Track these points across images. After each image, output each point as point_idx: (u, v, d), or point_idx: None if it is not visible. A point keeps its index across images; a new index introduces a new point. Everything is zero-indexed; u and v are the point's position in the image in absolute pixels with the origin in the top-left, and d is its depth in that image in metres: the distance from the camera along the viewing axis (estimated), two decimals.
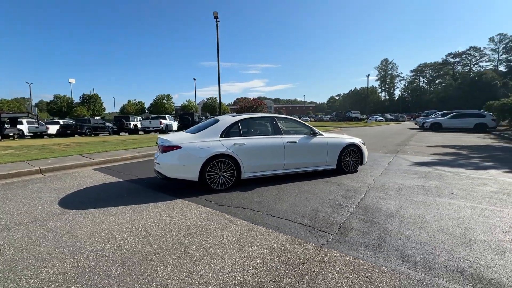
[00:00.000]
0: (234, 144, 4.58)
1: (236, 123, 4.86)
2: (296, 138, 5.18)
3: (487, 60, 75.82)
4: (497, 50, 72.86)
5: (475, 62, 78.37)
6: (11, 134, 17.95)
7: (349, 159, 5.74)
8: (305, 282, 2.03)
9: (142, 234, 2.91)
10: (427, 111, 47.67)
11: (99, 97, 62.25)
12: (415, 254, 2.41)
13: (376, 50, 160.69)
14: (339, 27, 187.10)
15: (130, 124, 23.45)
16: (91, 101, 60.23)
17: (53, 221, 3.33)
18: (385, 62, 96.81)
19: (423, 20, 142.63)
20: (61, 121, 24.34)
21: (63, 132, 20.62)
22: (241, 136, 4.78)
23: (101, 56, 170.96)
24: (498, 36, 71.36)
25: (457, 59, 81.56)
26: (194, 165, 4.34)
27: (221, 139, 4.59)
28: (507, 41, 70.13)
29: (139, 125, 24.66)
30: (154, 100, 69.08)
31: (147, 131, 23.72)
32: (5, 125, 17.82)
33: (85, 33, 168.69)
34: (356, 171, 5.88)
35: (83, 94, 61.15)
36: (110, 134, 23.58)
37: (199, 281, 2.05)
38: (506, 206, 3.65)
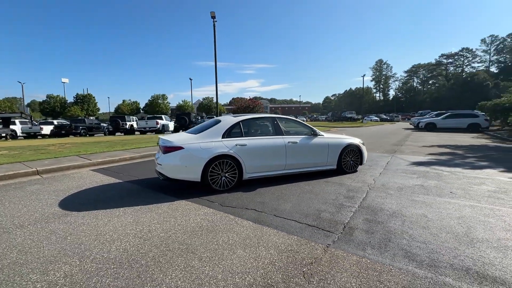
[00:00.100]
0: (236, 145, 4.58)
1: (237, 123, 4.86)
2: (297, 138, 5.20)
3: (479, 61, 77.38)
4: (489, 51, 74.31)
5: (467, 63, 79.84)
6: (3, 135, 17.62)
7: (349, 159, 5.79)
8: (314, 282, 2.05)
9: (147, 235, 2.89)
10: (421, 111, 48.33)
11: (93, 97, 61.50)
12: (421, 253, 2.45)
13: (370, 50, 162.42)
14: (334, 28, 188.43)
15: (126, 124, 23.22)
16: (85, 101, 59.44)
17: (55, 223, 3.29)
18: (379, 62, 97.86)
19: (417, 21, 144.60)
20: (55, 121, 23.95)
21: (57, 132, 20.30)
22: (242, 136, 4.79)
23: (95, 55, 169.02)
24: (490, 37, 72.83)
25: (450, 60, 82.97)
26: (196, 165, 4.32)
27: (223, 139, 4.59)
28: (498, 42, 71.58)
29: (135, 126, 24.42)
30: (149, 100, 68.51)
31: (143, 131, 23.50)
32: None
33: (78, 32, 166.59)
34: (355, 171, 5.93)
35: (77, 93, 60.35)
36: (105, 135, 23.31)
37: (209, 283, 2.05)
38: (505, 205, 3.72)
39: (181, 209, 3.71)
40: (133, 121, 25.04)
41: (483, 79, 60.61)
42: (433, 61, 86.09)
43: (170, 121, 25.52)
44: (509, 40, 68.76)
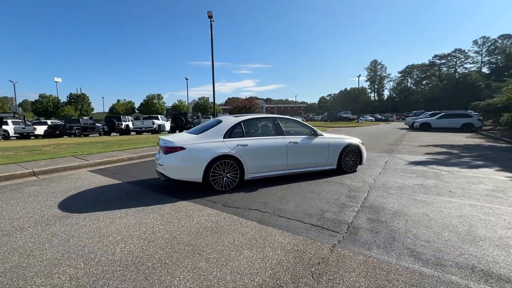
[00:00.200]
0: (237, 145, 4.57)
1: (239, 123, 4.85)
2: (298, 138, 5.21)
3: (471, 62, 78.77)
4: (481, 52, 75.71)
5: (460, 64, 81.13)
6: None
7: (349, 159, 5.82)
8: (323, 282, 2.05)
9: (152, 237, 2.87)
10: (414, 111, 49.00)
11: (87, 97, 60.75)
12: (426, 252, 2.48)
13: (365, 51, 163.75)
14: (329, 28, 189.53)
15: (121, 124, 22.96)
16: (78, 101, 58.68)
17: (55, 225, 3.23)
18: (374, 63, 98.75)
19: (410, 22, 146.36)
20: (48, 122, 23.56)
21: (51, 132, 19.96)
22: (244, 137, 4.78)
23: (89, 55, 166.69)
24: (481, 39, 74.18)
25: (443, 61, 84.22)
26: (198, 166, 4.30)
27: (224, 140, 4.57)
28: (489, 44, 72.97)
29: (131, 126, 24.19)
30: (144, 100, 67.91)
31: (139, 131, 23.29)
32: None
33: (71, 31, 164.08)
34: (355, 170, 5.97)
35: (70, 93, 59.54)
36: (100, 135, 23.04)
37: (218, 284, 2.04)
38: (503, 203, 3.79)
39: (183, 210, 3.68)
40: (129, 121, 24.79)
41: (475, 79, 61.71)
42: (427, 62, 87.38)
43: (166, 121, 25.33)
44: (500, 41, 70.21)
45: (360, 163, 6.03)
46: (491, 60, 73.21)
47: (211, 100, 72.52)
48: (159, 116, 25.60)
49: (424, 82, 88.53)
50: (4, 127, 18.61)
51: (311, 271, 2.20)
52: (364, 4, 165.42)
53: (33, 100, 59.20)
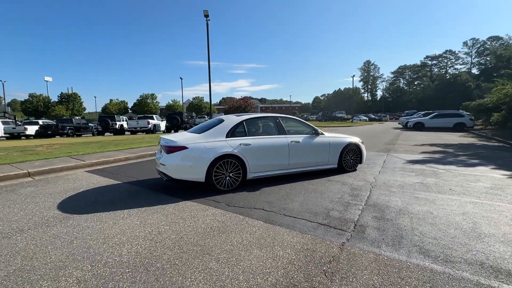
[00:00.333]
0: (240, 144, 4.54)
1: (241, 123, 4.82)
2: (299, 137, 5.22)
3: (461, 63, 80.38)
4: (470, 53, 77.39)
5: (450, 65, 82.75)
6: None
7: (349, 158, 5.86)
8: (337, 281, 2.05)
9: (158, 238, 2.82)
10: (407, 111, 49.71)
11: (79, 96, 59.71)
12: (434, 249, 2.50)
13: (358, 51, 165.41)
14: (323, 28, 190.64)
15: (115, 124, 22.62)
16: (70, 100, 57.66)
17: (57, 227, 3.15)
18: (367, 63, 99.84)
19: (403, 23, 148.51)
20: (40, 121, 23.04)
21: (43, 133, 19.51)
22: (246, 136, 4.75)
23: (80, 54, 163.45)
24: (471, 40, 75.83)
25: (434, 62, 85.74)
26: (200, 165, 4.25)
27: (227, 139, 4.54)
28: (479, 45, 74.66)
29: (125, 125, 23.85)
30: (137, 100, 67.07)
31: (134, 131, 22.99)
32: None
33: (61, 30, 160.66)
34: (355, 169, 6.01)
35: (61, 92, 58.46)
36: (93, 135, 22.64)
37: (231, 284, 2.01)
38: (503, 200, 3.87)
39: (187, 210, 3.64)
40: (123, 121, 24.43)
41: (465, 80, 63.01)
42: (418, 63, 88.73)
43: (162, 121, 25.07)
44: (489, 43, 71.86)
45: (360, 162, 6.08)
46: (481, 61, 74.92)
47: (205, 100, 72.22)
48: (154, 116, 25.32)
49: (416, 83, 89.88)
50: None
51: (324, 270, 2.19)
52: (358, 5, 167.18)
53: (23, 100, 57.80)
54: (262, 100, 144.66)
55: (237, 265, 2.28)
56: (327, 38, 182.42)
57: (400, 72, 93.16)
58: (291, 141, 5.06)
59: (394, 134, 17.06)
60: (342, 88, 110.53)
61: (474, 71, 75.52)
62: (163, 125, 24.14)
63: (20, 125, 20.76)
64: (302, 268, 2.22)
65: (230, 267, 2.24)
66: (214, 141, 4.43)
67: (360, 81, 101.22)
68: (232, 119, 4.86)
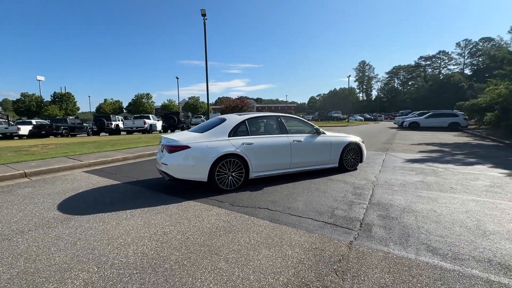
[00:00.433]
0: (242, 144, 4.51)
1: (243, 122, 4.79)
2: (301, 137, 5.21)
3: (454, 63, 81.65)
4: (463, 54, 78.63)
5: (444, 65, 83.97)
6: None
7: (350, 157, 5.88)
8: (348, 280, 2.04)
9: (164, 238, 2.77)
10: (401, 111, 50.30)
11: (73, 96, 58.87)
12: (441, 246, 2.52)
13: (353, 51, 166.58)
14: (318, 29, 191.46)
15: (111, 124, 22.34)
16: (63, 100, 56.76)
17: (58, 228, 3.08)
18: (362, 63, 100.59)
19: (397, 24, 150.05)
20: (33, 121, 22.62)
21: (37, 132, 19.14)
22: (248, 135, 4.72)
23: (74, 53, 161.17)
24: (464, 41, 77.05)
25: (428, 62, 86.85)
26: (203, 165, 4.22)
27: (229, 138, 4.51)
28: (471, 46, 75.89)
29: (121, 125, 23.57)
30: (132, 99, 66.36)
31: (130, 131, 22.73)
32: None
33: (53, 28, 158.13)
34: (356, 169, 6.04)
35: (54, 92, 57.53)
36: (88, 135, 22.33)
37: (242, 284, 1.99)
38: (503, 198, 3.92)
39: (191, 210, 3.60)
40: (119, 120, 24.15)
41: (458, 80, 63.95)
42: (412, 63, 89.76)
43: (158, 120, 24.85)
44: (481, 44, 73.10)
45: (361, 161, 6.10)
46: (473, 62, 76.22)
47: (201, 99, 71.88)
48: (150, 115, 25.08)
49: (410, 83, 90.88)
50: None
51: (334, 269, 2.18)
52: (353, 5, 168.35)
53: (15, 99, 56.69)
54: (258, 100, 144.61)
55: (246, 265, 2.25)
56: (323, 38, 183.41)
57: (394, 72, 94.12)
58: (293, 140, 5.05)
59: (391, 134, 17.22)
60: (337, 88, 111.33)
61: (467, 71, 76.83)
62: (159, 125, 23.93)
63: (12, 125, 20.35)
64: (312, 267, 2.21)
65: (240, 267, 2.21)
66: (216, 141, 4.40)
67: (355, 81, 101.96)
68: (234, 118, 4.83)
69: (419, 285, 1.96)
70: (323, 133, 5.57)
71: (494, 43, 67.04)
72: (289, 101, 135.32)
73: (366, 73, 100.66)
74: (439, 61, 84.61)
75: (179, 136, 4.61)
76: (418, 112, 29.43)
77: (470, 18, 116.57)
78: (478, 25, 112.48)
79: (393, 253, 2.42)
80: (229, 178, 4.44)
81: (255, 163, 4.62)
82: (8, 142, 14.97)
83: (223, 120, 4.86)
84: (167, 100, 68.00)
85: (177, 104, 60.55)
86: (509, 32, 13.38)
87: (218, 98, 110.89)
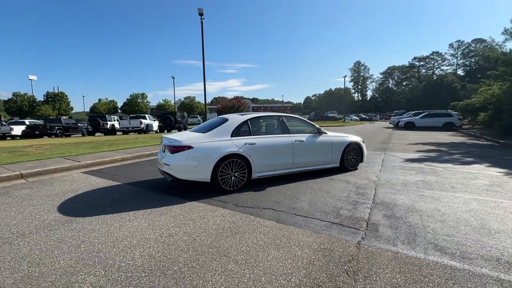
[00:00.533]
0: (245, 144, 4.49)
1: (245, 122, 4.77)
2: (303, 137, 5.21)
3: (447, 64, 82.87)
4: (456, 55, 79.86)
5: (437, 66, 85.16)
6: None
7: (351, 157, 5.90)
8: (360, 280, 2.03)
9: (170, 240, 2.73)
10: (396, 111, 50.85)
11: (66, 96, 58.01)
12: (449, 246, 2.53)
13: (349, 52, 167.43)
14: (314, 29, 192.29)
15: (106, 124, 22.06)
16: (56, 100, 55.88)
17: (60, 230, 3.01)
18: (357, 64, 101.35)
19: (391, 24, 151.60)
20: (27, 121, 22.20)
21: (30, 133, 18.80)
22: (251, 135, 4.70)
23: (67, 52, 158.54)
24: (457, 42, 78.28)
25: (422, 63, 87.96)
26: (206, 165, 4.18)
27: (232, 138, 4.48)
28: (464, 47, 77.15)
29: (116, 125, 23.29)
30: (127, 99, 65.66)
31: (126, 131, 22.48)
32: None
33: (47, 26, 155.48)
34: (356, 168, 6.06)
35: (47, 92, 56.60)
36: (83, 135, 22.03)
37: (254, 286, 1.96)
38: (504, 197, 3.97)
39: (195, 211, 3.56)
40: (114, 120, 23.86)
41: (451, 81, 64.92)
42: (407, 64, 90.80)
43: (154, 120, 24.64)
44: (473, 45, 74.36)
45: (361, 160, 6.13)
46: (466, 62, 77.57)
47: (197, 99, 71.57)
48: (146, 115, 24.84)
49: (404, 83, 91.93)
50: None
51: (345, 269, 2.17)
52: (349, 7, 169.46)
53: (6, 99, 55.60)
54: (254, 100, 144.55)
55: (257, 266, 2.23)
56: (318, 38, 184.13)
57: (389, 72, 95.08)
58: (295, 140, 5.04)
59: (387, 133, 17.37)
60: (333, 88, 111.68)
61: (460, 72, 78.08)
62: (155, 125, 23.73)
63: (5, 125, 19.95)
64: (323, 268, 2.20)
65: (250, 269, 2.19)
66: (219, 141, 4.36)
67: (350, 81, 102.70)
68: (236, 118, 4.80)
69: (431, 284, 1.96)
70: (325, 133, 5.57)
71: (486, 44, 68.28)
72: (285, 101, 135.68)
73: (361, 74, 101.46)
74: (432, 62, 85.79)
75: (181, 136, 4.56)
76: (413, 112, 29.77)
77: (462, 19, 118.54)
78: (470, 27, 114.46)
79: (402, 252, 2.42)
80: (231, 178, 4.41)
81: (258, 163, 4.59)
82: (1, 142, 14.67)
83: (225, 120, 4.82)
84: (163, 100, 67.61)
85: (173, 104, 60.13)
86: (502, 33, 13.65)
87: (214, 98, 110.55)
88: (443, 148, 9.70)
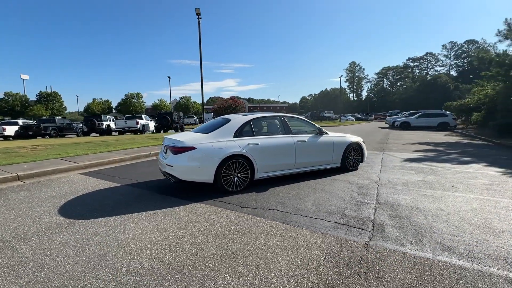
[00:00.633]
0: (248, 144, 4.47)
1: (248, 122, 4.74)
2: (305, 137, 5.21)
3: (440, 65, 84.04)
4: (449, 56, 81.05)
5: (431, 67, 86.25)
6: None
7: (352, 157, 5.92)
8: (372, 281, 2.03)
9: (176, 242, 2.70)
10: (391, 111, 51.38)
11: (59, 95, 57.13)
12: (456, 245, 2.55)
13: (344, 52, 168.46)
14: (310, 29, 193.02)
15: (102, 124, 21.78)
16: (49, 100, 55.00)
17: (63, 233, 2.95)
18: (353, 64, 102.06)
19: (386, 25, 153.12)
20: (20, 121, 21.79)
21: (23, 133, 18.44)
22: (253, 136, 4.68)
23: (60, 51, 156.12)
24: (450, 43, 79.50)
25: (416, 63, 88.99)
26: (209, 166, 4.15)
27: (235, 139, 4.45)
28: (456, 48, 78.38)
29: (112, 125, 23.02)
30: (122, 99, 64.94)
31: (122, 131, 22.23)
32: None
33: (39, 25, 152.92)
34: (357, 168, 6.09)
35: (40, 91, 55.67)
36: (78, 135, 21.72)
37: None
38: (505, 196, 4.03)
39: (200, 213, 3.52)
40: (110, 120, 23.58)
41: (445, 81, 65.82)
42: (401, 64, 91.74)
43: (151, 120, 24.42)
44: (466, 46, 75.57)
45: (362, 161, 6.16)
46: (458, 63, 78.81)
47: (193, 99, 71.18)
48: (142, 115, 24.61)
49: (399, 84, 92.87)
50: None
51: (356, 270, 2.17)
52: (344, 7, 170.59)
53: None
54: (250, 100, 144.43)
55: (267, 268, 2.21)
56: (314, 38, 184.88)
57: (383, 73, 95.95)
58: (297, 141, 5.04)
59: (384, 133, 17.52)
60: (328, 89, 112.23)
61: (453, 72, 79.28)
62: (152, 125, 23.53)
63: None
64: (334, 269, 2.19)
65: (261, 271, 2.17)
66: (222, 141, 4.33)
67: (346, 81, 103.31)
68: (239, 119, 4.78)
69: (442, 284, 1.97)
70: (326, 133, 5.59)
71: (478, 45, 69.33)
72: (281, 101, 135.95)
73: (356, 74, 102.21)
74: (426, 63, 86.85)
75: (183, 137, 4.52)
76: (408, 112, 30.11)
77: (455, 21, 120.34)
78: (463, 28, 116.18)
79: (411, 253, 2.43)
80: (234, 179, 4.38)
81: (260, 163, 4.58)
82: None
83: (228, 120, 4.79)
84: (158, 100, 67.01)
85: (169, 104, 59.69)
86: (496, 35, 13.90)
87: (210, 98, 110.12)
88: (440, 148, 9.82)
